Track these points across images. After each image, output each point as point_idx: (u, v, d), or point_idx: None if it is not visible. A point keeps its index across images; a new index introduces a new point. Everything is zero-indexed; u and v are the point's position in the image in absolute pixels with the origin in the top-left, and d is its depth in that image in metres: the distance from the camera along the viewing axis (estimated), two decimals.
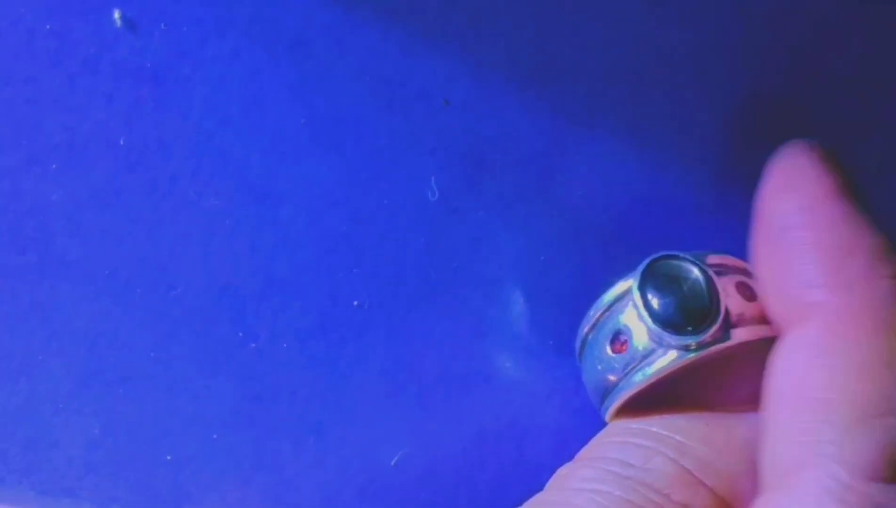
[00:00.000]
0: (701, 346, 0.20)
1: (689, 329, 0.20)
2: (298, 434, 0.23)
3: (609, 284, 0.21)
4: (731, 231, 0.23)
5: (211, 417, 0.23)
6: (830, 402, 0.18)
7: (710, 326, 0.20)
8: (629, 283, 0.21)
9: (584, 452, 0.21)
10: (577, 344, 0.22)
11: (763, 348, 0.20)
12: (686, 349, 0.20)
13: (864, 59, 0.25)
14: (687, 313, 0.20)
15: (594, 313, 0.22)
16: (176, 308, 0.23)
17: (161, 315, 0.23)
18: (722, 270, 0.21)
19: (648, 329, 0.20)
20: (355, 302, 0.23)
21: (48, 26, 0.23)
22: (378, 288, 0.23)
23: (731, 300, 0.20)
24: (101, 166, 0.23)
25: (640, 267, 0.21)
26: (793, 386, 0.19)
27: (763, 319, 0.21)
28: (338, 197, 0.23)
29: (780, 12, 0.24)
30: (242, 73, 0.23)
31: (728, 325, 0.20)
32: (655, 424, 0.21)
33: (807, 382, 0.18)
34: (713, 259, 0.21)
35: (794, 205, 0.20)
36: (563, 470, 0.21)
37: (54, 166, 0.23)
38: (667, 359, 0.20)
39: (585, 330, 0.22)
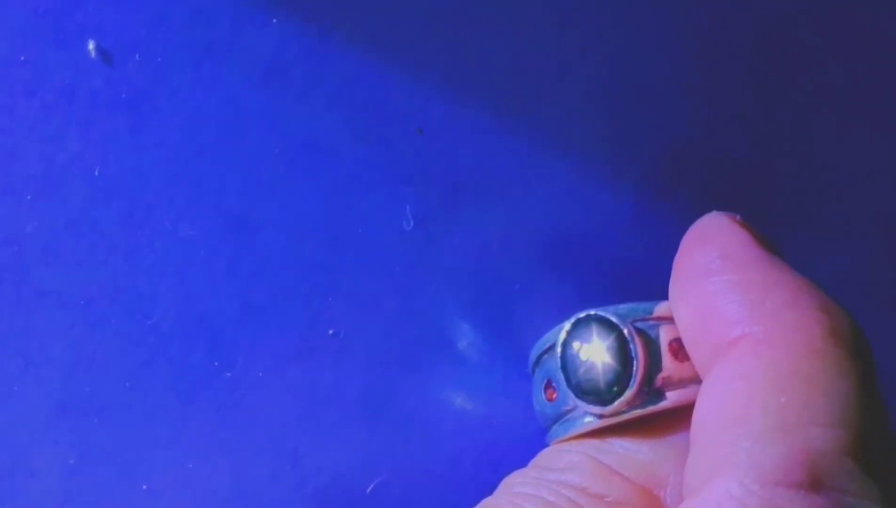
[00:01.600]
0: (615, 413, 0.20)
1: (603, 397, 0.20)
2: (275, 462, 0.23)
3: (563, 317, 0.22)
4: None
5: (187, 446, 0.23)
6: (749, 416, 0.18)
7: (620, 395, 0.20)
8: (562, 333, 0.21)
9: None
10: (529, 369, 0.23)
11: None
12: (600, 416, 0.20)
13: (845, 88, 0.25)
14: (597, 384, 0.20)
15: (536, 352, 0.22)
16: (152, 336, 0.23)
17: (137, 344, 0.23)
18: (662, 325, 0.21)
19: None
20: (331, 331, 0.23)
21: (22, 57, 0.23)
22: (355, 315, 0.23)
23: (660, 362, 0.21)
24: (77, 196, 0.23)
25: (566, 325, 0.21)
26: (715, 408, 0.19)
27: (693, 379, 0.21)
28: (314, 224, 0.23)
29: (756, 38, 0.24)
30: (218, 101, 0.23)
31: (650, 390, 0.20)
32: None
33: (728, 402, 0.18)
34: (661, 309, 0.21)
35: (714, 253, 0.20)
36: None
37: (29, 197, 0.23)
38: (583, 422, 0.21)
39: (532, 361, 0.22)
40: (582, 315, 0.21)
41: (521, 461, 0.24)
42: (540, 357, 0.22)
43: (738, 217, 0.21)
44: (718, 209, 0.22)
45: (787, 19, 0.25)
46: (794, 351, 0.18)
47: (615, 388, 0.20)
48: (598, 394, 0.20)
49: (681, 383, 0.21)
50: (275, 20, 0.23)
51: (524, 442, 0.24)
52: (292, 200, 0.23)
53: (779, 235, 0.22)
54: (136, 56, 0.23)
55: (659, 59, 0.24)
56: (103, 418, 0.23)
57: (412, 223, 0.23)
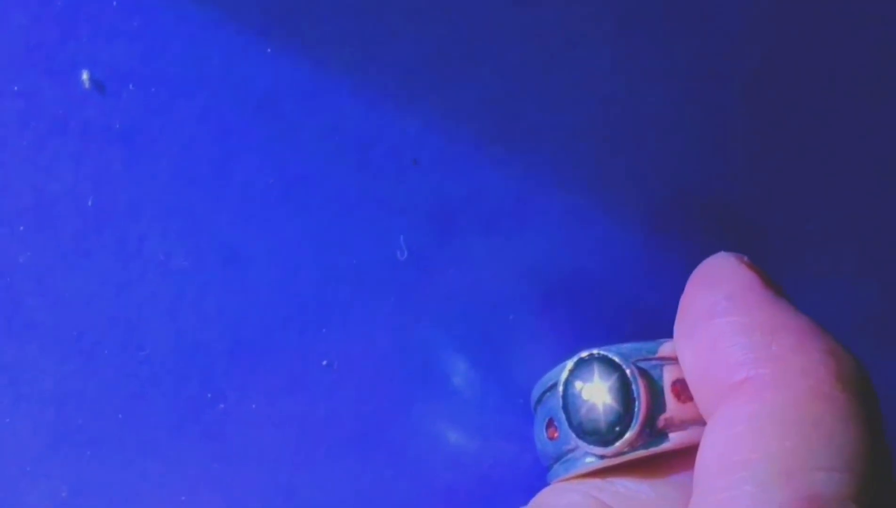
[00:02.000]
0: (617, 454, 0.20)
1: (605, 437, 0.20)
2: (267, 496, 0.23)
3: (563, 355, 0.21)
4: None
5: (179, 479, 0.23)
6: (753, 461, 0.18)
7: (621, 436, 0.20)
8: (565, 372, 0.21)
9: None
10: (532, 406, 0.23)
11: None
12: (602, 456, 0.20)
13: (830, 122, 0.25)
14: (599, 424, 0.20)
15: (539, 390, 0.22)
16: (144, 369, 0.23)
17: (129, 376, 0.23)
18: (665, 365, 0.21)
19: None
20: (324, 362, 0.23)
21: (15, 87, 0.23)
22: (347, 347, 0.23)
23: (662, 403, 0.20)
24: (69, 227, 0.23)
25: (569, 364, 0.21)
26: (719, 451, 0.18)
27: (696, 420, 0.20)
28: (307, 256, 0.23)
29: (746, 70, 0.24)
30: (211, 132, 0.23)
31: (652, 431, 0.20)
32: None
33: (732, 446, 0.18)
34: (665, 350, 0.21)
35: (720, 294, 0.20)
36: None
37: (21, 228, 0.23)
38: (584, 462, 0.21)
39: (534, 399, 0.22)
40: (584, 354, 0.21)
41: (514, 495, 0.24)
42: (542, 395, 0.22)
43: (745, 258, 0.21)
44: (711, 240, 0.22)
45: (783, 53, 0.25)
46: (799, 395, 0.18)
47: (617, 429, 0.20)
48: (599, 435, 0.20)
49: (683, 424, 0.20)
50: (268, 51, 0.23)
51: (517, 477, 0.23)
52: (285, 231, 0.23)
53: (773, 268, 0.22)
54: (130, 86, 0.23)
55: (652, 93, 0.24)
56: (95, 451, 0.23)
57: (406, 254, 0.23)
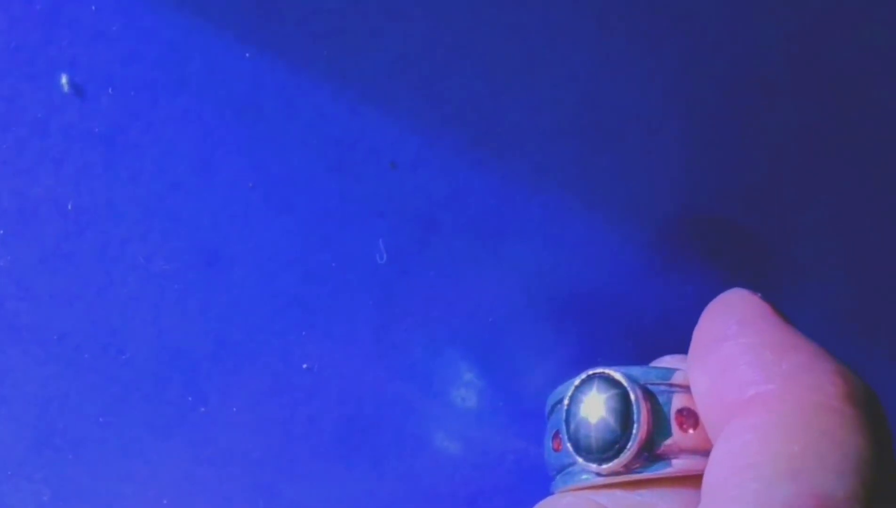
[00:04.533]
0: (612, 473, 0.20)
1: (597, 455, 0.20)
2: (250, 499, 0.23)
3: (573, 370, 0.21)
4: (682, 290, 0.23)
5: (162, 482, 0.23)
6: (760, 463, 0.18)
7: (616, 456, 0.20)
8: (571, 388, 0.21)
9: None
10: (546, 416, 0.23)
11: None
12: (598, 473, 0.20)
13: (813, 122, 0.25)
14: (590, 440, 0.20)
15: (550, 402, 0.22)
16: (126, 372, 0.23)
17: (111, 379, 0.23)
18: (674, 392, 0.21)
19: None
20: (305, 365, 0.23)
21: None
22: (329, 349, 0.23)
23: (668, 429, 0.20)
24: (50, 231, 0.23)
25: (576, 380, 0.21)
26: (728, 461, 0.18)
27: (698, 449, 0.20)
28: (287, 259, 0.23)
29: (729, 70, 0.24)
30: (191, 135, 0.23)
31: (650, 455, 0.20)
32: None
33: (742, 453, 0.18)
34: (677, 378, 0.21)
35: (734, 319, 0.20)
36: None
37: (1, 231, 0.23)
38: (581, 477, 0.21)
39: (547, 410, 0.22)
40: (591, 371, 0.21)
41: (497, 494, 0.24)
42: (553, 407, 0.22)
43: (758, 294, 0.21)
44: (690, 237, 0.22)
45: (765, 50, 0.25)
46: (808, 407, 0.18)
47: (614, 447, 0.20)
48: (590, 452, 0.20)
49: (685, 452, 0.20)
50: (247, 55, 0.23)
51: (500, 476, 0.23)
52: (265, 235, 0.23)
53: (755, 266, 0.21)
54: (109, 90, 0.23)
55: (634, 93, 0.24)
56: (78, 454, 0.23)
57: (385, 257, 0.23)
